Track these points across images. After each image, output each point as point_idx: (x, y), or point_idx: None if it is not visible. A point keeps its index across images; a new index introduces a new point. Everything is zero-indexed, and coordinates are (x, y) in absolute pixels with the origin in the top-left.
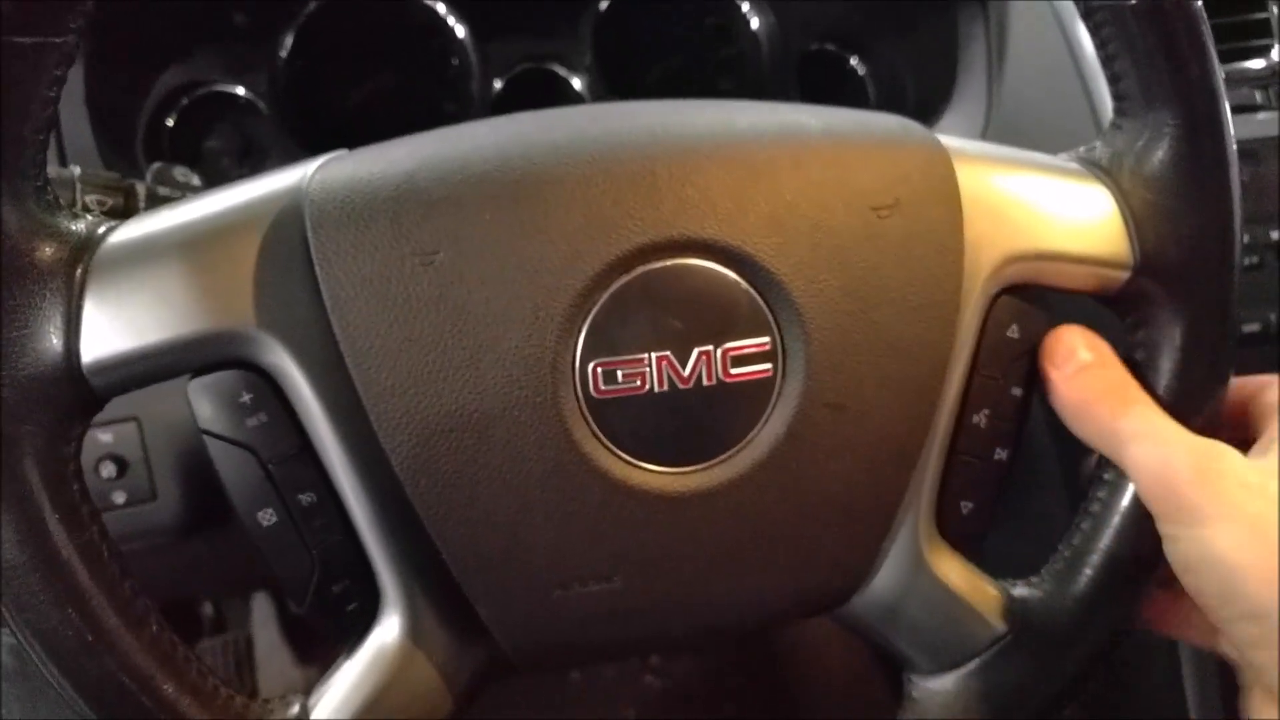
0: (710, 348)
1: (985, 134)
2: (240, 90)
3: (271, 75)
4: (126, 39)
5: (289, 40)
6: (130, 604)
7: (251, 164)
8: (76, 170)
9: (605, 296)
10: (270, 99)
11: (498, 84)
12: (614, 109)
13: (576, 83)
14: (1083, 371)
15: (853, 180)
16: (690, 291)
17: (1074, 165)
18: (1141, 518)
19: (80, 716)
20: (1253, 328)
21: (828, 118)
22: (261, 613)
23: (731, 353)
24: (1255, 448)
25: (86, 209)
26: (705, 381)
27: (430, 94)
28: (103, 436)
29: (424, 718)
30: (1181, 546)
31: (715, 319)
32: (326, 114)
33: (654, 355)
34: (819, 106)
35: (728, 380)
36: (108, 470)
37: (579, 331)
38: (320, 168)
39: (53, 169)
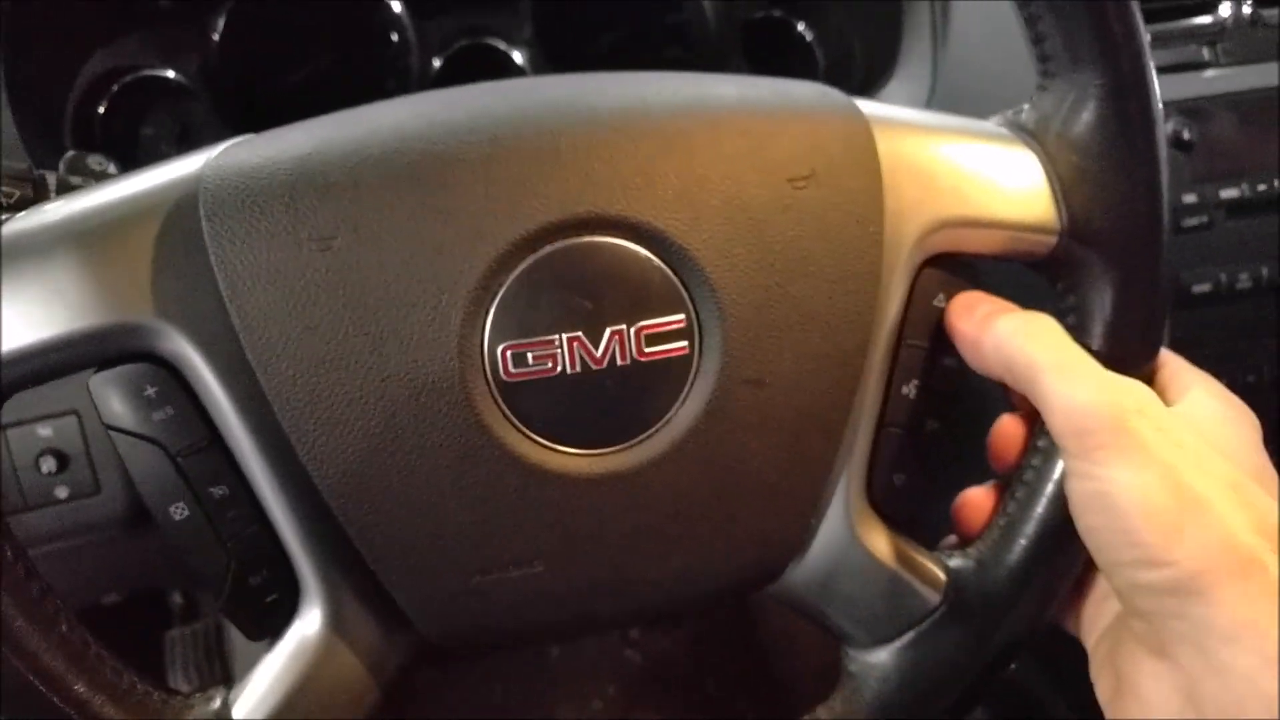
0: (623, 327)
1: (931, 100)
2: (170, 74)
3: (204, 58)
4: (46, 25)
5: (220, 21)
6: (37, 604)
7: (190, 149)
8: None
9: (511, 278)
10: (204, 82)
11: (437, 62)
12: (521, 84)
13: (518, 57)
14: (994, 314)
15: (767, 151)
16: (600, 270)
17: (1001, 130)
18: None
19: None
20: (1203, 288)
21: (743, 87)
22: None
23: (645, 331)
24: (1170, 397)
25: None
26: (619, 361)
27: (369, 73)
28: (42, 431)
29: (351, 708)
30: (1087, 485)
31: (627, 297)
32: (263, 96)
33: (565, 336)
34: (737, 76)
35: (642, 359)
36: (48, 465)
37: (486, 314)
38: (219, 153)
39: None
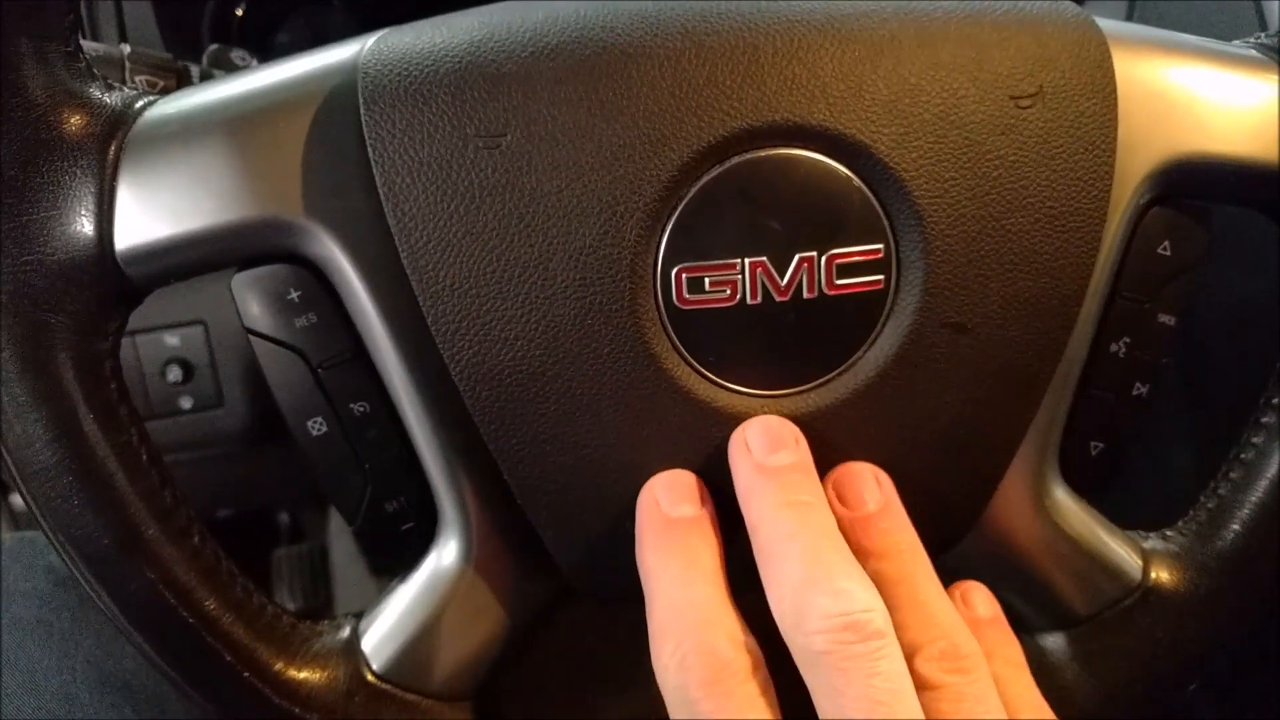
0: (814, 254)
1: (1130, 19)
2: None
3: None
4: None
5: None
6: (171, 513)
7: None
8: (126, 49)
9: (694, 190)
10: None
11: None
12: None
13: None
14: None
15: (990, 63)
16: (793, 187)
17: (1251, 53)
18: None
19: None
20: None
21: None
22: (339, 523)
23: (838, 260)
24: None
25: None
26: (806, 293)
27: None
28: (169, 339)
29: (483, 649)
30: None
31: (821, 221)
32: (402, 4)
33: (748, 261)
34: None
35: (831, 293)
36: (174, 374)
37: (663, 230)
38: (378, 39)
39: (102, 47)
